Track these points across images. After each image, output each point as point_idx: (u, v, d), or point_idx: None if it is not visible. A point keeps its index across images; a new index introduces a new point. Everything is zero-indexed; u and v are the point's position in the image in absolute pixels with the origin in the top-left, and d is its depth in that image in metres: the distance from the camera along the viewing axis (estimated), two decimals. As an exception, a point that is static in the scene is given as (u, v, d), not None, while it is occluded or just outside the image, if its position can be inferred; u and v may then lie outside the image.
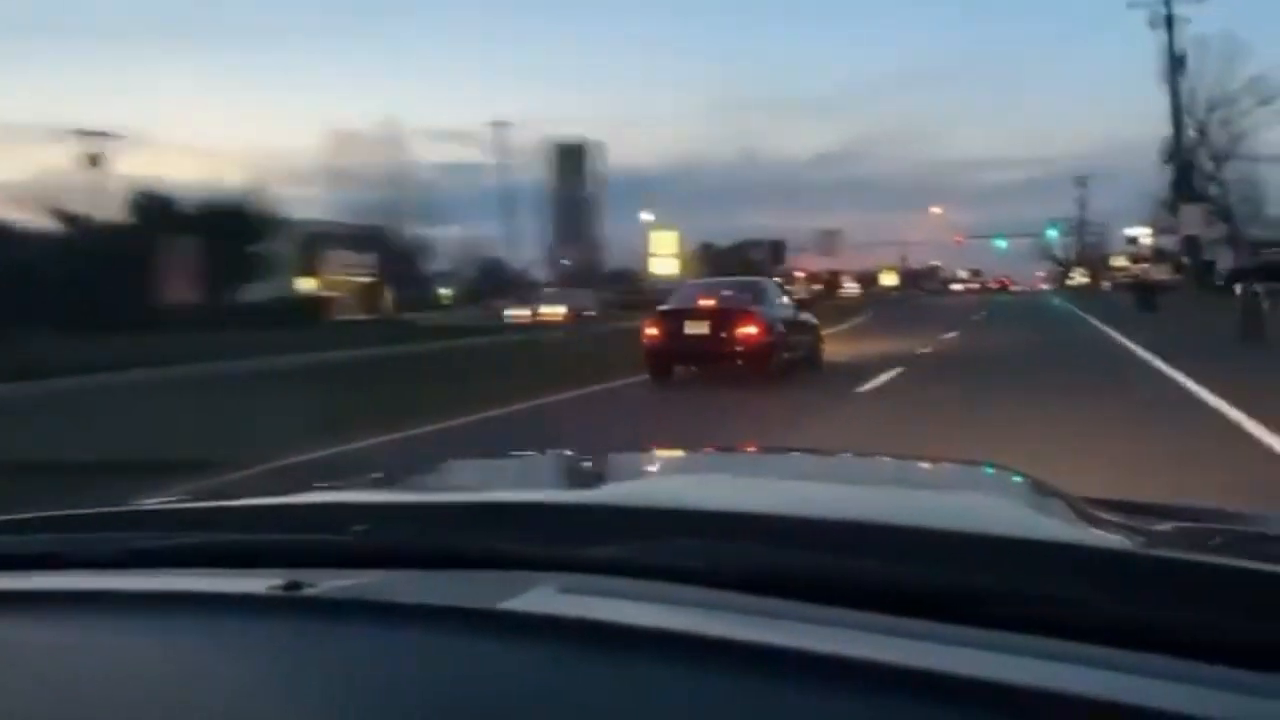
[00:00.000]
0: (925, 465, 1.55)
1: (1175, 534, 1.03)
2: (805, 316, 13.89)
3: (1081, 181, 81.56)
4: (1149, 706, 0.56)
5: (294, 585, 0.78)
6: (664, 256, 70.69)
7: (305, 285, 42.05)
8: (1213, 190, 42.70)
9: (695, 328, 12.12)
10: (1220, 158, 42.70)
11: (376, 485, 1.37)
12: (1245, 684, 0.60)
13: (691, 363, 12.58)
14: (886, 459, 1.70)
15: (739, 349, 11.89)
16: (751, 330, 11.84)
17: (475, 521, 0.96)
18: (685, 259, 71.29)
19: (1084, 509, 1.04)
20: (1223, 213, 42.75)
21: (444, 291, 65.87)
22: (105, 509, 1.10)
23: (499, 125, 49.39)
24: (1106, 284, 72.99)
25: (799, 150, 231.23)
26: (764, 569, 0.78)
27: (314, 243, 48.72)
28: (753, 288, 13.55)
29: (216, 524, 1.05)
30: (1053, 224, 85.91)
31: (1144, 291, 33.70)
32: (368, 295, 51.39)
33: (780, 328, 12.31)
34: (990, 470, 1.42)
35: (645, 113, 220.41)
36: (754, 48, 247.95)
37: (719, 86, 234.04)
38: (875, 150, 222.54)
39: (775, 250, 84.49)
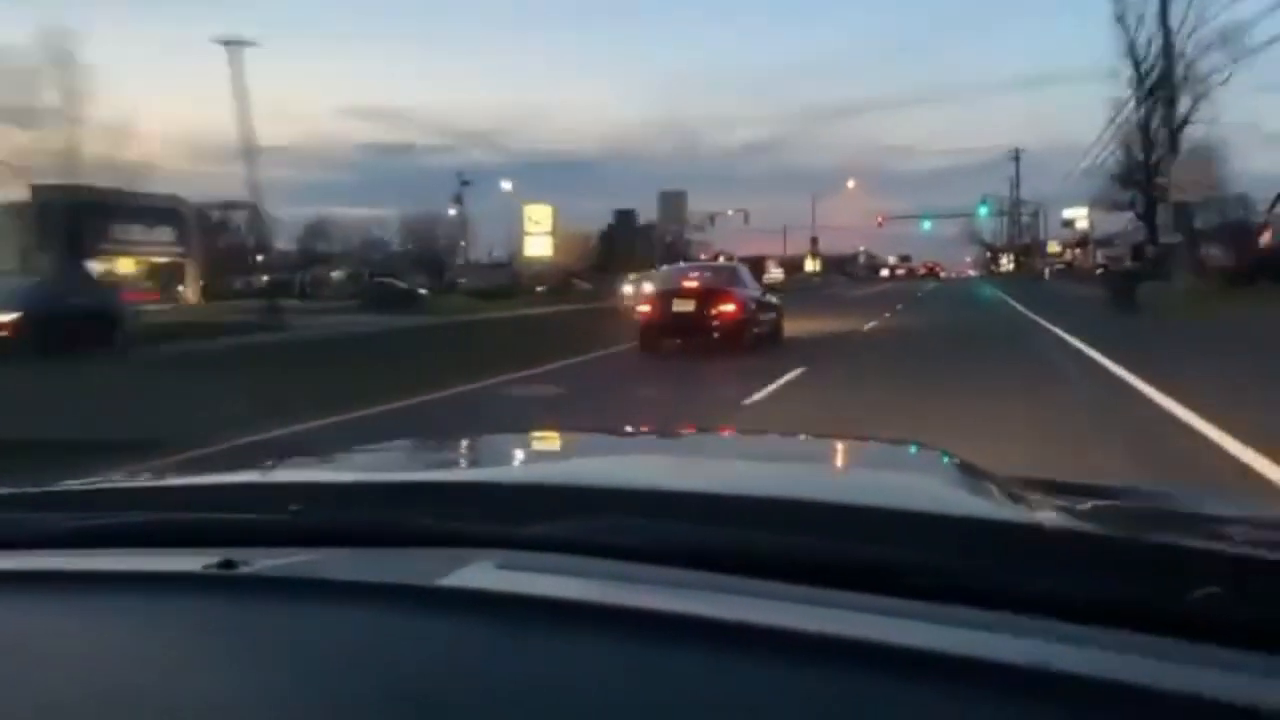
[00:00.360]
0: (854, 444, 1.64)
1: (1093, 511, 1.03)
2: (770, 298, 16.14)
3: (1016, 156, 74.06)
4: (1064, 670, 0.58)
5: (230, 564, 0.78)
6: (539, 235, 61.04)
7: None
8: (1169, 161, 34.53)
9: (683, 305, 14.28)
10: (1178, 124, 34.50)
11: (313, 464, 1.35)
12: (1155, 649, 0.62)
13: (678, 336, 14.38)
14: (817, 439, 1.87)
15: (718, 324, 13.98)
16: (730, 308, 14.12)
17: (412, 500, 0.96)
18: (560, 237, 61.81)
19: (1005, 485, 1.06)
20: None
21: (335, 275, 58.46)
22: (37, 489, 1.07)
23: (232, 45, 28.40)
24: (1045, 271, 65.71)
25: (732, 135, 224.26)
26: (698, 544, 0.79)
27: (73, 215, 37.57)
28: (730, 272, 16.15)
29: (151, 503, 1.03)
30: (984, 201, 78.81)
31: (1120, 284, 23.39)
32: (155, 280, 41.26)
33: (752, 306, 14.70)
34: (915, 449, 1.44)
35: (573, 97, 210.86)
36: (688, 33, 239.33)
37: (652, 71, 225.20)
38: (807, 136, 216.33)
39: (623, 219, 75.88)
